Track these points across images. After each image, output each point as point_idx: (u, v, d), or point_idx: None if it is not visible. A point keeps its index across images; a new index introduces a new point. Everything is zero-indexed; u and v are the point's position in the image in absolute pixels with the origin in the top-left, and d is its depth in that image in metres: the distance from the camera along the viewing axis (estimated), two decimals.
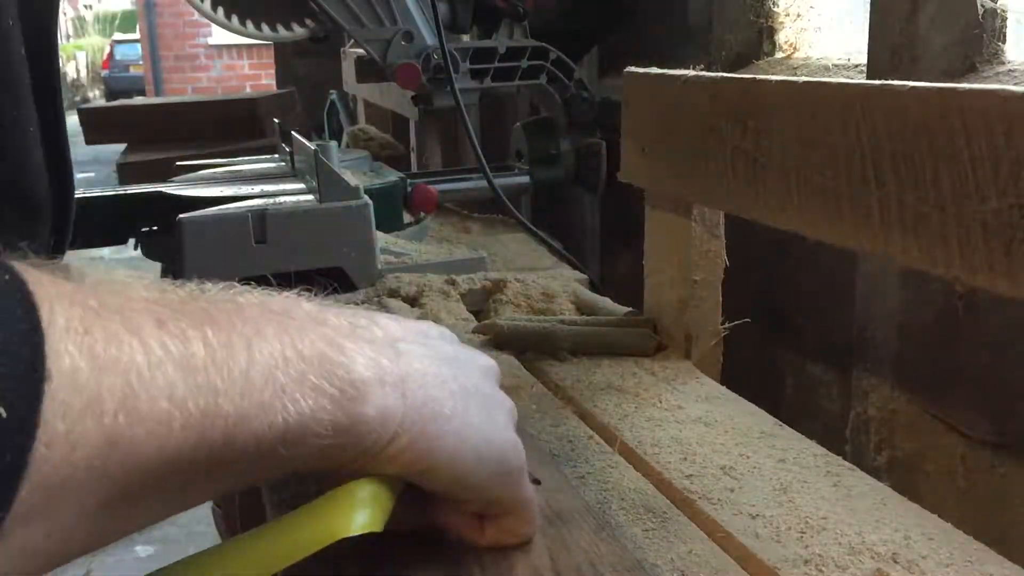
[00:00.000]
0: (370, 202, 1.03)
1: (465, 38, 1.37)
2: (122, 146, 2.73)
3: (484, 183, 1.25)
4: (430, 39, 1.24)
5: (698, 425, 0.66)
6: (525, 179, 1.35)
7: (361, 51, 1.36)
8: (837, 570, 0.48)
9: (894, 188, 0.54)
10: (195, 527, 2.48)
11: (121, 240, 1.12)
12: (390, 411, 0.36)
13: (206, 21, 1.38)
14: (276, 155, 1.55)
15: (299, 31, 1.31)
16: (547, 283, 0.99)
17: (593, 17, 1.37)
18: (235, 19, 1.29)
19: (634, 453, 0.62)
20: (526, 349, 0.83)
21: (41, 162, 0.52)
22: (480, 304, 0.98)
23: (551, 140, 1.35)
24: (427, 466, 0.38)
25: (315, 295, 0.40)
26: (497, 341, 0.83)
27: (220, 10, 1.28)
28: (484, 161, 1.24)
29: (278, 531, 0.37)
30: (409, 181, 1.27)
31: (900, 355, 0.81)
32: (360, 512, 0.37)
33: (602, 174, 1.33)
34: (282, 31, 1.31)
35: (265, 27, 1.31)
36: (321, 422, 0.34)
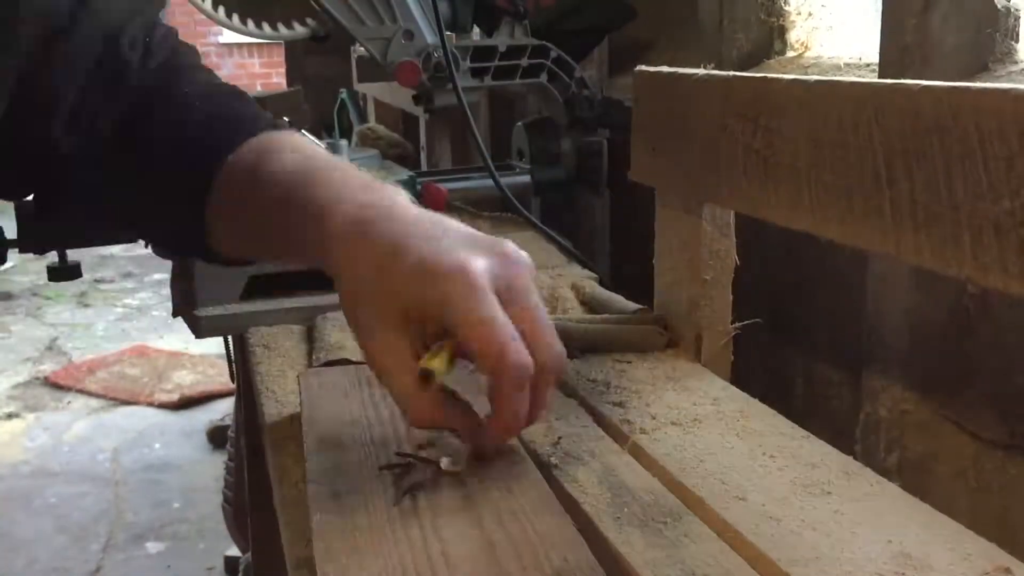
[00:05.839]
0: None
1: (475, 36, 1.37)
2: None
3: (492, 182, 1.25)
4: (430, 37, 1.24)
5: (708, 424, 0.66)
6: (526, 178, 1.35)
7: None
8: (848, 571, 0.48)
9: (906, 188, 0.54)
10: (206, 524, 2.49)
11: (132, 238, 1.12)
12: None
13: None
14: None
15: (300, 30, 1.31)
16: (556, 282, 0.99)
17: (594, 16, 1.36)
18: (236, 18, 1.30)
19: (644, 452, 0.62)
20: None
21: None
22: None
23: (552, 139, 1.35)
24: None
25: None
26: None
27: (221, 9, 1.28)
28: (489, 160, 1.24)
29: None
30: (418, 180, 1.27)
31: (911, 356, 0.81)
32: None
33: (603, 173, 1.32)
34: (283, 30, 1.31)
35: (266, 26, 1.31)
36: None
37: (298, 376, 0.70)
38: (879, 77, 0.81)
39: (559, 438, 0.64)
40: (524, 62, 1.30)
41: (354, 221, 0.55)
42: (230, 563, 2.25)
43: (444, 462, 0.55)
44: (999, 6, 0.72)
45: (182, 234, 0.68)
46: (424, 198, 1.24)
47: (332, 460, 0.57)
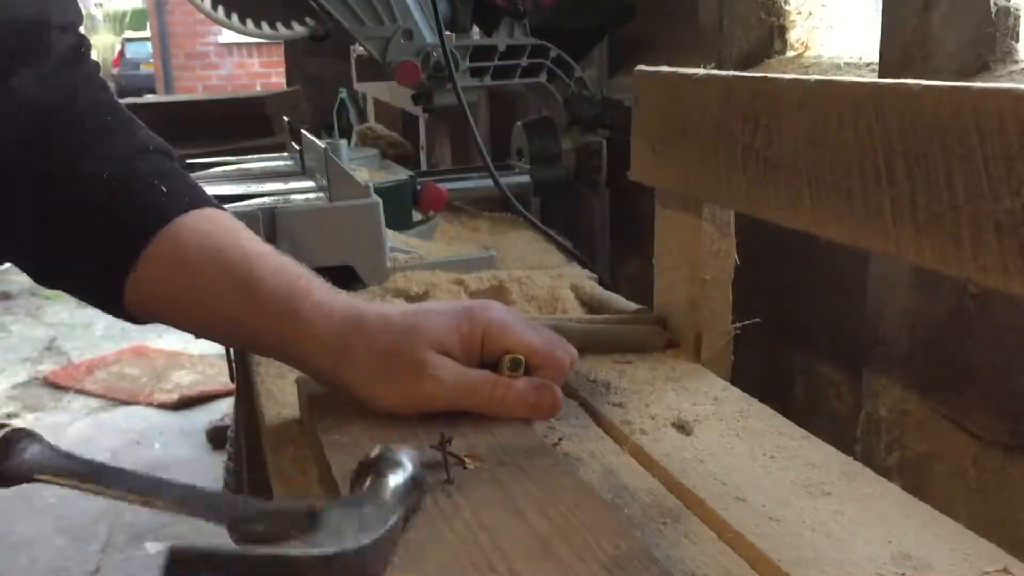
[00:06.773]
0: (380, 200, 1.03)
1: (475, 36, 1.37)
2: None
3: (492, 182, 1.25)
4: (430, 37, 1.24)
5: (708, 425, 0.66)
6: (525, 178, 1.35)
7: None
8: (848, 571, 0.48)
9: (906, 187, 0.54)
10: (206, 524, 2.48)
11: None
12: None
13: None
14: (286, 153, 1.55)
15: (299, 29, 1.31)
16: (556, 281, 0.99)
17: (594, 15, 1.36)
18: (235, 17, 1.29)
19: (644, 453, 0.62)
20: None
21: None
22: None
23: (552, 139, 1.35)
24: None
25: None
26: None
27: (220, 8, 1.28)
28: (489, 160, 1.24)
29: None
30: (418, 180, 1.27)
31: (911, 355, 0.81)
32: None
33: (603, 173, 1.33)
34: (282, 29, 1.31)
35: (265, 25, 1.30)
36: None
37: (296, 381, 0.70)
38: (879, 77, 0.81)
39: (559, 439, 0.64)
40: (524, 62, 1.30)
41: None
42: None
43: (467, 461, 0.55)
44: (999, 5, 0.72)
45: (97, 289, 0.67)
46: (424, 198, 1.24)
47: (354, 462, 0.56)
